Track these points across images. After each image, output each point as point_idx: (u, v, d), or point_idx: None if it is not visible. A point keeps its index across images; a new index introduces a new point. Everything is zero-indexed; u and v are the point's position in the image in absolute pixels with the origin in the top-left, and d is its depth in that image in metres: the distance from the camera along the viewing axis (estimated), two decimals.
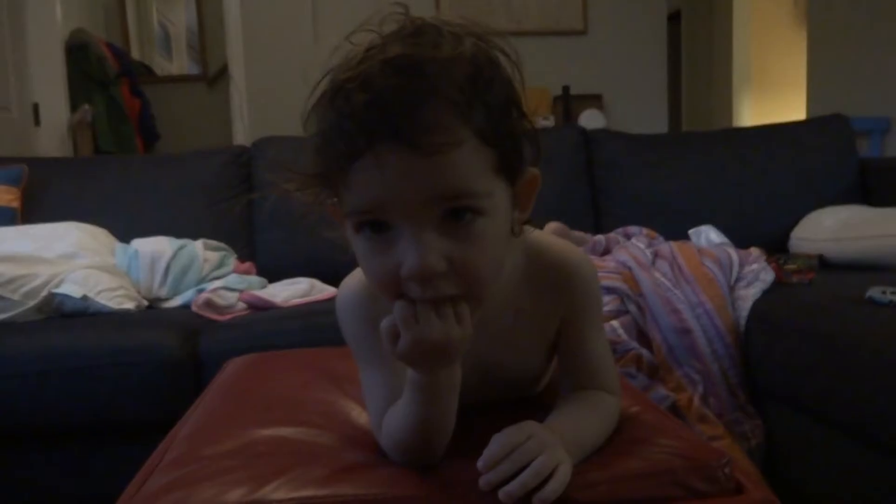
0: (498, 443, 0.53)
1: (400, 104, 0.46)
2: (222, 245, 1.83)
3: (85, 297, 1.46)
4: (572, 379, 0.66)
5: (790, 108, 4.35)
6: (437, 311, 0.49)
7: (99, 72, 3.63)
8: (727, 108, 4.94)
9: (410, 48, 0.48)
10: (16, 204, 1.85)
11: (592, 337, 0.65)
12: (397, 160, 0.46)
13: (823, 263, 1.73)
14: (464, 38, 0.50)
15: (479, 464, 0.52)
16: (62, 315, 1.48)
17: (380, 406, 0.61)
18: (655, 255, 1.51)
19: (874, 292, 1.24)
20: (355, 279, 0.64)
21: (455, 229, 0.49)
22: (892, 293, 1.21)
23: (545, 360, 0.69)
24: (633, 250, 1.53)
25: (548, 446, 0.54)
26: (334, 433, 0.66)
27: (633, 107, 3.66)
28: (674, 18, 5.51)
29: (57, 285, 1.46)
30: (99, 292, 1.48)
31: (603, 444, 0.62)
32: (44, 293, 1.45)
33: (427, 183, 0.47)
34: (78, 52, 3.55)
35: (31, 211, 1.87)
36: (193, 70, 4.74)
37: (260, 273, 1.84)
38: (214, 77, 4.59)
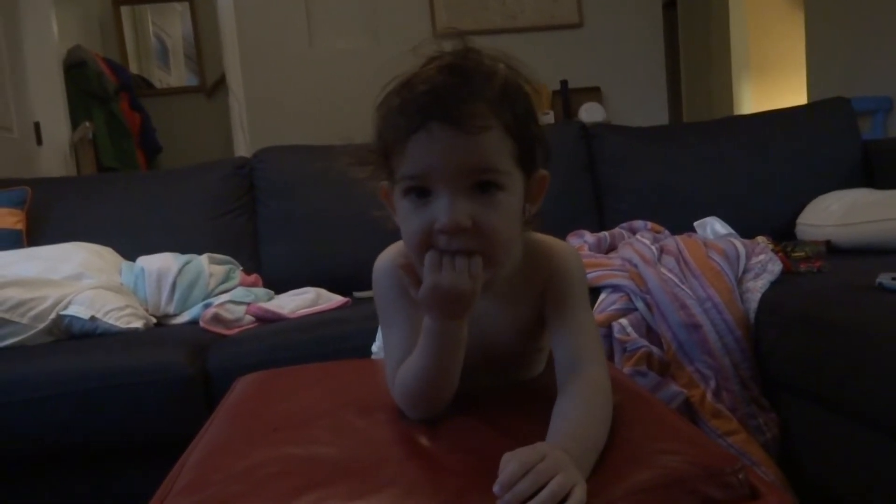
0: (513, 464, 0.53)
1: (450, 95, 0.61)
2: (228, 258, 1.83)
3: (93, 318, 1.46)
4: (564, 351, 0.71)
5: (791, 90, 4.33)
6: (454, 263, 0.62)
7: (98, 88, 3.64)
8: (727, 93, 4.91)
9: (460, 60, 0.64)
10: (20, 226, 1.85)
11: (578, 313, 0.73)
12: (445, 136, 0.60)
13: (831, 249, 1.72)
14: (497, 61, 0.66)
15: (496, 488, 0.53)
16: (71, 337, 1.49)
17: (396, 360, 0.72)
18: (661, 250, 1.50)
19: (884, 279, 1.22)
20: (390, 252, 0.76)
21: (481, 198, 0.62)
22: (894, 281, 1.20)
23: (532, 339, 0.78)
24: (638, 246, 1.52)
25: (562, 467, 0.54)
26: (346, 451, 0.66)
27: (633, 97, 3.65)
28: (669, 6, 5.48)
29: (65, 307, 1.47)
30: (107, 312, 1.48)
31: (615, 446, 0.62)
32: (52, 316, 1.45)
33: (465, 156, 0.61)
34: (76, 70, 3.56)
35: (36, 232, 1.87)
36: (192, 81, 4.75)
37: (266, 285, 1.84)
38: (213, 87, 4.60)
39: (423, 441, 0.67)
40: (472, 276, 0.62)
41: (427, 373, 0.67)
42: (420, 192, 0.63)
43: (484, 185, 0.62)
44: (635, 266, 1.44)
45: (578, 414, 0.64)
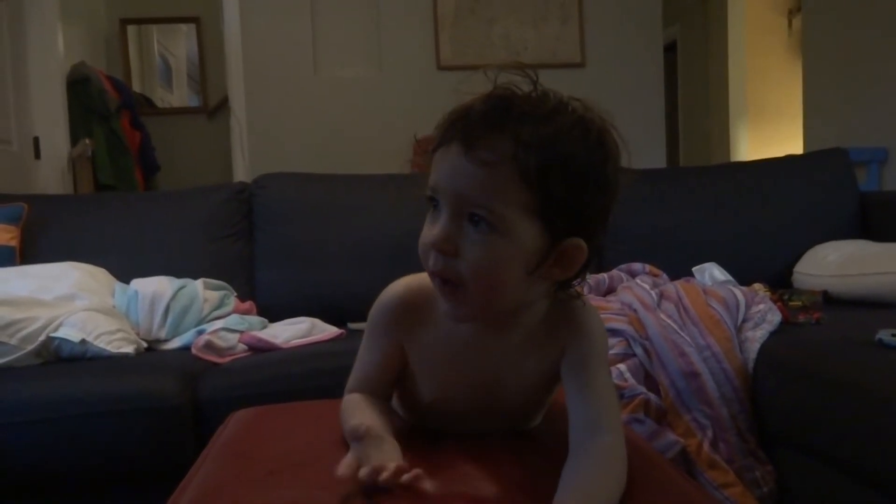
0: None
1: (477, 121, 0.61)
2: (223, 284, 1.81)
3: (83, 342, 1.44)
4: (581, 416, 0.68)
5: (787, 137, 4.38)
6: (441, 287, 0.64)
7: (100, 105, 3.65)
8: (725, 138, 4.97)
9: (517, 95, 0.63)
10: (14, 242, 1.83)
11: (599, 376, 0.70)
12: (455, 158, 0.61)
13: (828, 299, 1.72)
14: (568, 113, 0.63)
15: None
16: (60, 359, 1.46)
17: (356, 377, 0.79)
18: (661, 295, 1.50)
19: (883, 335, 1.22)
20: (399, 287, 0.75)
21: (474, 232, 0.61)
22: (893, 337, 1.20)
23: (542, 392, 0.77)
24: (638, 291, 1.51)
25: None
26: (342, 496, 0.64)
27: (632, 138, 3.58)
28: (670, 49, 5.57)
29: (55, 329, 1.44)
30: (97, 336, 1.46)
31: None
32: (42, 337, 1.43)
33: (464, 183, 0.61)
34: (79, 86, 3.57)
35: (31, 249, 1.85)
36: (194, 102, 4.77)
37: (260, 312, 1.82)
38: (214, 109, 4.62)
39: (426, 485, 0.65)
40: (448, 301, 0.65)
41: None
42: (434, 202, 0.64)
43: (476, 218, 0.61)
44: (635, 311, 1.44)
45: (592, 474, 0.63)
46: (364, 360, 0.78)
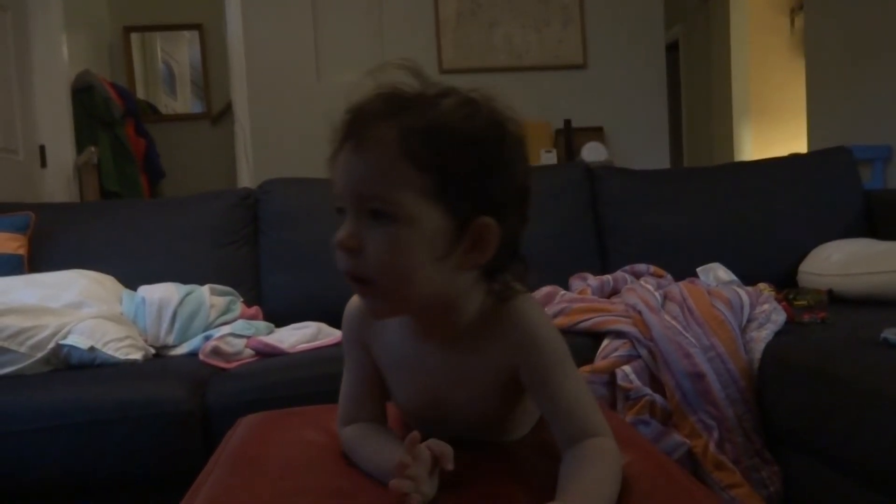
0: None
1: (362, 118, 0.61)
2: (229, 289, 1.82)
3: (92, 349, 1.45)
4: (562, 428, 0.67)
5: (791, 136, 4.38)
6: (354, 286, 0.64)
7: (104, 113, 3.67)
8: (728, 137, 4.97)
9: (399, 88, 0.62)
10: (22, 251, 1.85)
11: (568, 385, 0.67)
12: (348, 157, 0.61)
13: (833, 298, 1.72)
14: (453, 96, 0.63)
15: None
16: (69, 366, 1.47)
17: (344, 403, 0.78)
18: (665, 296, 1.50)
19: (889, 334, 1.22)
20: (356, 297, 0.73)
21: (376, 226, 0.60)
22: None
23: (503, 406, 0.73)
24: (641, 292, 1.52)
25: None
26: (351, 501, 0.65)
27: (635, 138, 3.68)
28: (672, 49, 5.57)
29: (64, 336, 1.45)
30: (106, 343, 1.47)
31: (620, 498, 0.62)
32: (51, 345, 1.44)
33: (357, 180, 0.61)
34: (84, 94, 3.59)
35: (38, 258, 1.87)
36: (197, 108, 4.79)
37: (266, 317, 1.83)
38: (218, 115, 4.64)
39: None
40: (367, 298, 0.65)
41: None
42: (340, 210, 0.63)
43: (377, 213, 0.60)
44: (639, 312, 1.44)
45: (591, 472, 0.63)
46: (347, 381, 0.78)
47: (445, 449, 0.63)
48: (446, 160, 0.60)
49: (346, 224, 0.62)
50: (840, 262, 1.79)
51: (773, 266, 1.95)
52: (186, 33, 4.80)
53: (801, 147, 3.91)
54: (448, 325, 0.68)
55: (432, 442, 0.64)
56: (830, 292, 1.73)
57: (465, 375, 0.69)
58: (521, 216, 0.65)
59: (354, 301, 0.75)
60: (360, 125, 0.61)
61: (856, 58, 3.40)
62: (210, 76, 4.73)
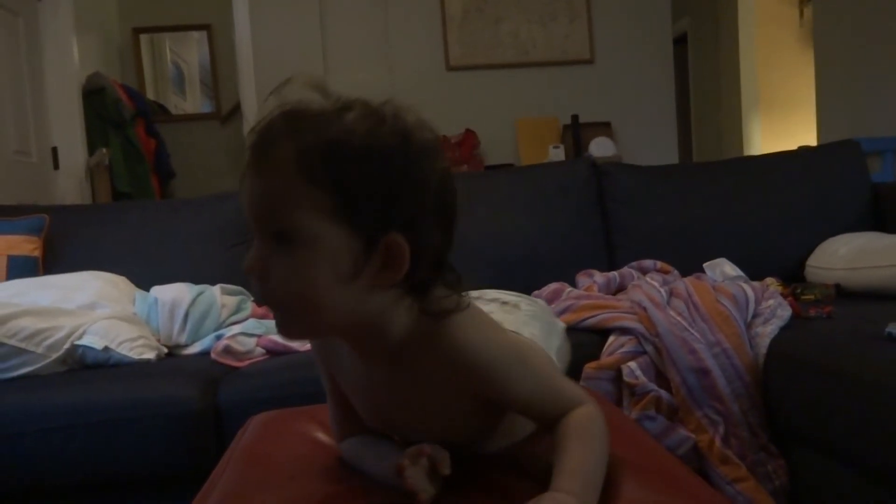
0: None
1: (263, 139, 0.59)
2: (239, 289, 1.85)
3: (106, 349, 1.48)
4: (537, 420, 0.69)
5: (801, 128, 4.36)
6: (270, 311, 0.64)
7: (115, 114, 3.71)
8: (737, 131, 4.95)
9: (299, 106, 0.60)
10: (37, 253, 1.88)
11: (526, 385, 0.66)
12: (249, 181, 0.60)
13: (841, 292, 1.72)
14: (355, 110, 0.59)
15: None
16: (84, 366, 1.50)
17: (332, 422, 0.80)
18: (670, 293, 1.51)
19: (893, 328, 1.23)
20: None
21: (279, 249, 0.58)
22: None
23: (472, 419, 0.70)
24: (647, 289, 1.53)
25: None
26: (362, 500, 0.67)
27: (643, 133, 3.68)
28: (680, 41, 5.54)
29: (79, 337, 1.48)
30: (120, 343, 1.50)
31: (620, 497, 0.63)
32: (66, 345, 1.47)
33: (257, 202, 0.59)
34: (94, 96, 3.63)
35: (52, 259, 1.90)
36: (207, 108, 4.83)
37: None
38: (228, 115, 4.67)
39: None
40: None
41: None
42: (250, 233, 0.61)
43: (278, 236, 0.58)
44: (645, 309, 1.45)
45: (573, 448, 0.63)
46: (330, 404, 0.79)
47: (442, 454, 0.64)
48: (346, 177, 0.57)
49: (252, 248, 0.60)
50: (847, 256, 1.79)
51: (780, 261, 1.95)
52: (195, 34, 4.83)
53: (810, 139, 3.89)
54: (378, 347, 0.65)
55: (429, 447, 0.65)
56: (838, 287, 1.74)
57: (410, 395, 0.68)
58: (442, 228, 0.62)
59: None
60: (259, 146, 0.59)
61: (865, 49, 3.38)
62: (219, 76, 4.77)
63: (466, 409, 0.68)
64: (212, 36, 4.78)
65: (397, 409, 0.69)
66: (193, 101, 4.88)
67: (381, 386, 0.68)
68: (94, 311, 1.59)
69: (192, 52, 4.88)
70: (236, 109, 4.33)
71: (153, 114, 4.33)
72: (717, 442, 1.29)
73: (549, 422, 0.67)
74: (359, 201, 0.58)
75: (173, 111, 4.81)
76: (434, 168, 0.61)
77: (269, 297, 0.60)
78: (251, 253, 0.60)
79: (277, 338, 1.63)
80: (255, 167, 0.59)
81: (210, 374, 1.45)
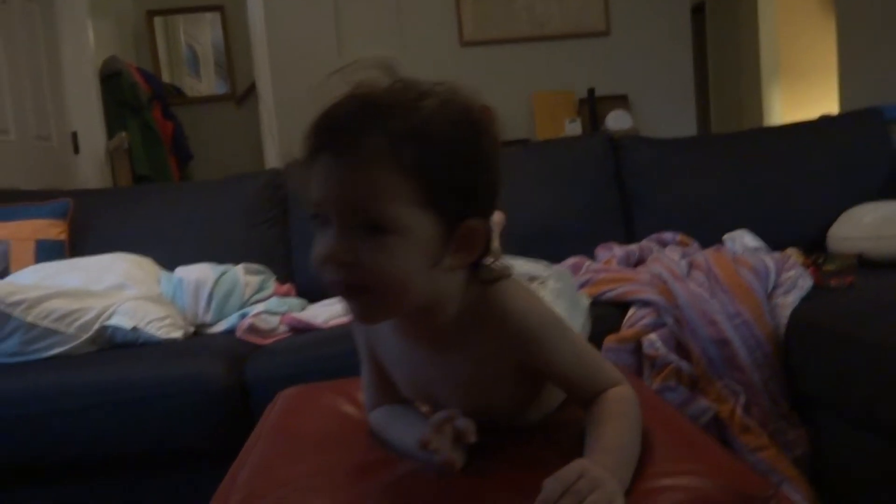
0: (551, 484, 0.55)
1: (346, 127, 0.58)
2: (262, 268, 1.87)
3: (135, 329, 1.51)
4: (576, 394, 0.71)
5: (822, 96, 4.28)
6: (345, 294, 0.62)
7: (132, 98, 3.73)
8: (757, 100, 4.86)
9: (377, 90, 0.60)
10: (63, 237, 1.92)
11: (569, 357, 0.69)
12: (332, 169, 0.59)
13: (863, 262, 1.71)
14: (430, 96, 0.60)
15: None
16: (114, 346, 1.54)
17: (367, 391, 0.80)
18: (690, 265, 1.51)
19: None
20: None
21: (369, 237, 0.58)
22: None
23: (510, 394, 0.72)
24: (666, 261, 1.53)
25: (599, 484, 0.56)
26: (393, 471, 0.69)
27: (660, 105, 3.64)
28: (699, 11, 5.44)
29: (108, 317, 1.52)
30: (148, 322, 1.53)
31: (645, 467, 0.63)
32: (96, 326, 1.51)
33: (349, 192, 0.58)
34: (111, 80, 3.65)
35: (78, 243, 1.94)
36: (222, 89, 4.84)
37: (299, 294, 1.88)
38: (243, 95, 4.68)
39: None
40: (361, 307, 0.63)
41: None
42: (321, 218, 0.61)
43: (371, 224, 0.58)
44: (664, 281, 1.45)
45: (609, 426, 0.65)
46: (365, 371, 0.80)
47: (467, 423, 0.66)
48: (435, 167, 0.59)
49: (332, 236, 0.59)
50: (871, 225, 1.77)
51: (801, 231, 1.94)
52: (208, 14, 4.83)
53: (832, 107, 3.82)
54: (433, 323, 0.67)
55: (453, 413, 0.66)
56: (860, 256, 1.72)
57: (454, 370, 0.69)
58: (494, 205, 0.65)
59: None
60: (342, 133, 0.58)
61: (890, 13, 3.30)
62: (233, 57, 4.77)
63: (508, 381, 0.70)
64: (225, 17, 4.77)
65: (440, 383, 0.71)
66: (208, 83, 4.89)
67: (425, 360, 0.70)
68: (122, 292, 1.62)
69: (205, 33, 4.88)
70: (252, 90, 4.34)
71: (169, 96, 4.35)
72: (739, 411, 1.30)
73: (585, 396, 0.69)
74: (445, 190, 0.59)
75: (189, 93, 4.83)
76: (497, 148, 0.64)
77: (356, 279, 0.60)
78: (335, 241, 0.59)
79: (300, 316, 1.66)
80: (343, 155, 0.58)
81: (236, 351, 1.48)
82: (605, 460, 0.60)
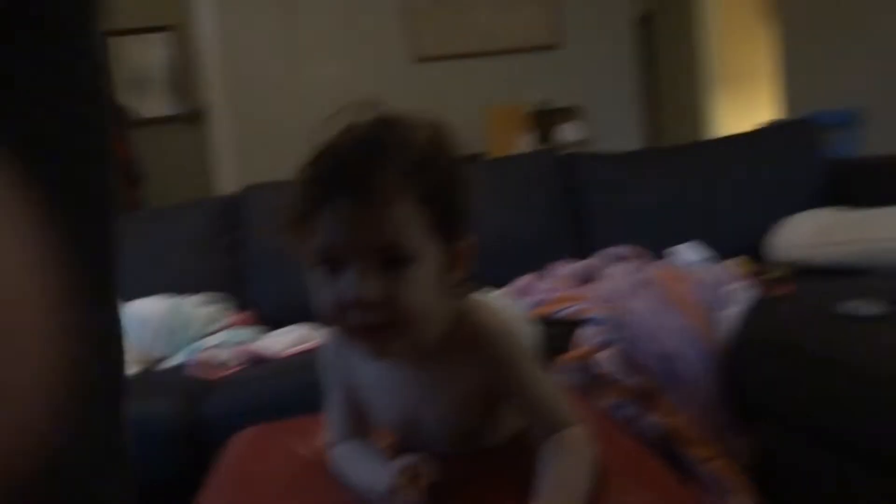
0: None
1: (357, 168, 0.60)
2: (216, 298, 1.85)
3: None
4: (536, 425, 0.72)
5: (767, 102, 4.41)
6: (369, 338, 0.64)
7: None
8: (700, 109, 4.98)
9: (374, 129, 0.63)
10: None
11: (532, 385, 0.71)
12: (350, 211, 0.60)
13: (804, 270, 1.77)
14: (419, 128, 0.65)
15: None
16: None
17: (332, 422, 0.80)
18: (638, 281, 1.55)
19: (853, 306, 1.27)
20: (330, 345, 0.78)
21: (391, 272, 0.61)
22: (867, 307, 1.25)
23: (478, 418, 0.75)
24: (616, 278, 1.56)
25: None
26: None
27: (611, 116, 3.72)
28: (648, 21, 5.56)
29: None
30: None
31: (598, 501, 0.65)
32: None
33: (370, 231, 0.60)
34: None
35: None
36: (172, 111, 4.77)
37: (259, 321, 1.86)
38: (194, 117, 4.62)
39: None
40: (384, 344, 0.64)
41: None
42: (332, 263, 0.62)
43: (394, 259, 0.61)
44: (614, 298, 1.48)
45: (561, 465, 0.66)
46: (333, 403, 0.80)
47: (429, 466, 0.67)
48: (438, 194, 0.63)
49: (353, 279, 0.60)
50: (808, 234, 1.83)
51: (745, 241, 1.99)
52: (157, 35, 4.75)
53: (775, 113, 3.94)
54: (417, 343, 0.68)
55: (416, 460, 0.68)
56: (801, 264, 1.78)
57: (435, 392, 0.72)
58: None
59: (329, 345, 0.78)
60: (355, 176, 0.60)
61: (828, 21, 3.41)
62: (183, 78, 4.70)
63: (478, 403, 0.73)
64: (174, 37, 4.71)
65: (424, 402, 0.73)
66: (158, 104, 4.81)
67: (410, 379, 0.72)
68: None
69: (156, 54, 4.80)
70: (202, 111, 4.28)
71: (119, 117, 4.26)
72: (688, 424, 1.33)
73: (545, 426, 0.70)
74: (447, 213, 0.64)
75: (138, 115, 4.74)
76: (467, 169, 0.68)
77: (387, 318, 0.62)
78: (361, 283, 0.60)
79: (253, 347, 1.64)
80: (359, 198, 0.60)
81: (188, 388, 1.45)
82: (553, 497, 0.62)
